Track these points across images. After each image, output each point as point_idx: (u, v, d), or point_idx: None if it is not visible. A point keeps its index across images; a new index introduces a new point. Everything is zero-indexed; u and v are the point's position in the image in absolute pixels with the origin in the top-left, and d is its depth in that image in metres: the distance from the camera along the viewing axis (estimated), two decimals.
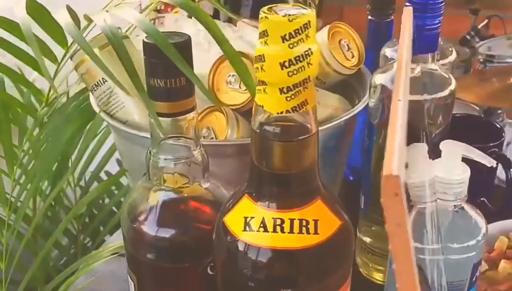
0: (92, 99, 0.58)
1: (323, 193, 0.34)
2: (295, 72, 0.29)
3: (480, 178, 0.74)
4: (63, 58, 0.56)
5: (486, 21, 1.67)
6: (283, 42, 0.28)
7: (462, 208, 0.51)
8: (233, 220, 0.34)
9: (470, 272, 0.51)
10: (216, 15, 1.59)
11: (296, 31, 0.28)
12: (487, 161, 0.48)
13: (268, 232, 0.32)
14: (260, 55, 0.29)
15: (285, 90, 0.30)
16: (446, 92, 0.53)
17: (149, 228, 0.45)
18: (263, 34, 0.29)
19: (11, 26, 0.56)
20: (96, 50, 0.55)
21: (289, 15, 0.28)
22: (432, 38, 0.51)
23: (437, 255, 0.49)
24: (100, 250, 0.62)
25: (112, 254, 0.57)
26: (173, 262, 0.46)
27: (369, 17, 0.70)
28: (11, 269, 0.65)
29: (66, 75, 0.63)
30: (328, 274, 0.33)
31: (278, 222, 0.32)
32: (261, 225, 0.32)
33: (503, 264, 0.61)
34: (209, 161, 0.44)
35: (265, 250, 0.32)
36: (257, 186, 0.34)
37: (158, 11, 1.04)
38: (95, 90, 0.56)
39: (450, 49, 0.64)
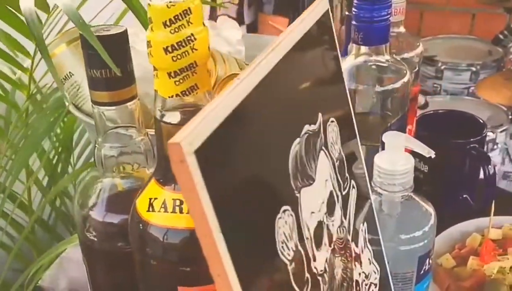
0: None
1: None
2: (179, 57, 0.30)
3: (462, 175, 0.73)
4: (35, 53, 0.59)
5: None
6: (165, 28, 0.30)
7: (411, 198, 0.51)
8: (141, 202, 0.36)
9: (416, 265, 0.50)
10: (240, 18, 1.61)
11: (176, 17, 0.30)
12: (426, 152, 0.47)
13: (168, 212, 0.34)
14: (148, 41, 0.31)
15: (172, 74, 0.31)
16: (398, 84, 0.53)
17: (97, 214, 0.48)
18: (150, 20, 0.31)
19: None
20: (63, 46, 0.58)
21: (170, 2, 0.30)
22: (382, 30, 0.51)
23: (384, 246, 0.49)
24: (72, 237, 0.65)
25: None
26: (119, 247, 0.48)
27: (346, 12, 0.71)
28: None
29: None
30: None
31: (178, 203, 0.33)
32: (162, 206, 0.34)
33: (471, 260, 0.60)
34: None
35: (164, 229, 0.34)
36: (162, 169, 0.35)
37: None
38: (64, 83, 0.59)
39: (418, 44, 0.64)
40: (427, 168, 0.73)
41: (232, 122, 0.23)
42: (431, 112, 0.77)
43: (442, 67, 2.31)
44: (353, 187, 0.40)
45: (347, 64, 0.54)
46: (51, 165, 0.85)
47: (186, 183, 0.19)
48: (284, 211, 0.27)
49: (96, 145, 0.47)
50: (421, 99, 2.01)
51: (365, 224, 0.42)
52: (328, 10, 0.38)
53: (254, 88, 0.25)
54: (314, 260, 0.31)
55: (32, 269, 0.63)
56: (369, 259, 0.42)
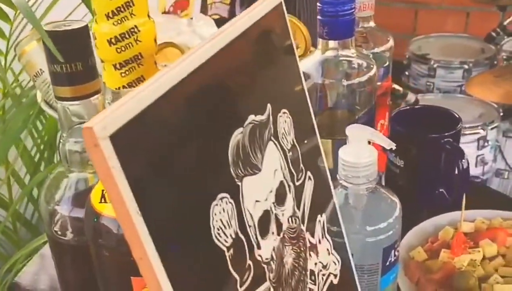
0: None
1: None
2: (123, 48, 0.31)
3: (438, 169, 0.74)
4: (8, 51, 0.60)
5: None
6: (108, 19, 0.30)
7: (376, 191, 0.51)
8: (94, 194, 0.36)
9: (381, 256, 0.51)
10: (232, 17, 1.61)
11: (118, 9, 0.30)
12: (387, 144, 0.48)
13: None
14: (93, 33, 0.32)
15: (118, 66, 0.32)
16: (364, 78, 0.53)
17: (63, 209, 0.48)
18: (94, 13, 0.31)
19: None
20: (34, 43, 0.59)
21: None
22: (347, 24, 0.51)
23: (349, 237, 0.49)
24: None
25: None
26: (86, 242, 0.49)
27: None
28: None
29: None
30: None
31: None
32: None
33: (442, 253, 0.61)
34: None
35: (115, 220, 0.34)
36: None
37: (167, 12, 1.08)
38: (35, 80, 0.59)
39: (388, 38, 0.64)
40: (403, 163, 0.73)
41: (158, 108, 0.23)
42: (407, 108, 0.77)
43: (435, 66, 2.31)
44: (310, 179, 0.40)
45: (314, 59, 0.54)
46: (34, 163, 0.86)
47: (101, 166, 0.20)
48: (222, 198, 0.28)
49: (61, 140, 0.47)
50: (411, 97, 2.01)
51: (324, 215, 0.42)
52: (281, 2, 0.38)
53: (187, 76, 0.26)
54: (259, 248, 0.31)
55: (8, 263, 0.63)
56: (328, 250, 0.42)
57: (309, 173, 0.40)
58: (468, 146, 1.78)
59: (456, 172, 0.70)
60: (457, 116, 0.73)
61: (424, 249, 0.63)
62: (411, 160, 0.73)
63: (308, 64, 0.55)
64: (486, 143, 1.79)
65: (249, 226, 0.30)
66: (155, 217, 0.22)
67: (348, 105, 0.55)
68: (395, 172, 0.75)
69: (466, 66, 2.17)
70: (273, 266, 0.33)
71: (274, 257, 0.33)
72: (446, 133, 0.70)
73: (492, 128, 1.77)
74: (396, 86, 2.17)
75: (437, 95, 2.04)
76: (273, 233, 0.33)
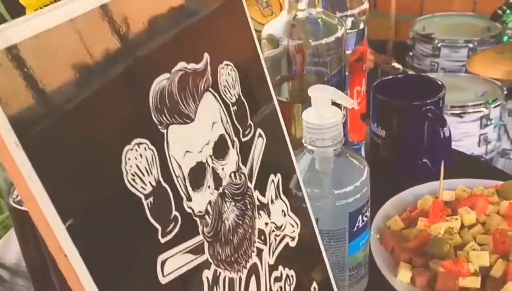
0: None
1: None
2: None
3: (420, 138, 0.72)
4: None
5: None
6: None
7: (343, 154, 0.49)
8: None
9: (348, 221, 0.49)
10: None
11: None
12: (349, 103, 0.46)
13: None
14: None
15: None
16: (331, 39, 0.51)
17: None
18: None
19: None
20: None
21: None
22: None
23: (316, 201, 0.48)
24: None
25: None
26: None
27: None
28: None
29: None
30: None
31: None
32: None
33: (420, 222, 0.59)
34: None
35: None
36: None
37: None
38: None
39: (363, 1, 0.62)
40: (384, 133, 0.71)
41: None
42: (389, 77, 0.75)
43: (439, 45, 2.27)
44: (261, 136, 0.39)
45: (281, 20, 0.52)
46: None
47: None
48: (139, 143, 0.26)
49: None
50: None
51: (279, 175, 0.41)
52: None
53: (100, 9, 0.24)
54: (189, 200, 0.30)
55: None
56: (283, 211, 0.41)
57: (260, 131, 0.39)
58: (470, 124, 1.74)
59: (439, 141, 0.68)
60: (440, 83, 0.71)
61: (402, 218, 0.61)
62: (393, 129, 0.71)
63: (276, 25, 0.53)
64: (489, 122, 1.75)
65: (177, 176, 0.29)
66: (39, 150, 0.21)
67: (316, 69, 0.53)
68: (377, 142, 0.73)
69: (471, 45, 2.12)
70: (209, 221, 0.31)
71: (210, 211, 0.32)
72: (428, 101, 0.68)
73: (495, 107, 1.73)
74: (396, 65, 2.13)
75: (439, 74, 2.00)
76: (209, 186, 0.32)
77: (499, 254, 0.53)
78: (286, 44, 0.52)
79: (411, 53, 2.27)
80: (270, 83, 0.41)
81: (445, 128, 0.67)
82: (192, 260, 0.29)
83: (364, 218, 0.50)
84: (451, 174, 0.68)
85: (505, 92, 1.82)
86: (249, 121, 0.37)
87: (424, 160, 0.71)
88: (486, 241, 0.55)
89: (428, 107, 0.67)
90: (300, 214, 0.44)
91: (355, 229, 0.50)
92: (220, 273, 0.32)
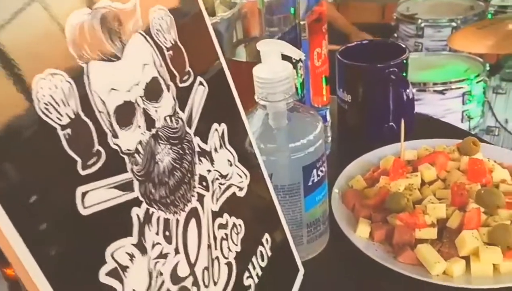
0: None
1: None
2: None
3: (385, 102, 0.71)
4: None
5: None
6: None
7: (296, 109, 0.49)
8: None
9: (302, 175, 0.49)
10: None
11: None
12: (297, 54, 0.45)
13: None
14: None
15: None
16: None
17: None
18: None
19: None
20: None
21: None
22: None
23: (270, 156, 0.48)
24: None
25: None
26: None
27: None
28: None
29: None
30: None
31: None
32: None
33: (381, 180, 0.59)
34: None
35: None
36: None
37: None
38: None
39: None
40: (350, 98, 0.71)
41: None
42: (354, 43, 0.75)
43: (423, 25, 2.26)
44: (202, 85, 0.38)
45: None
46: None
47: None
48: (53, 74, 0.26)
49: None
50: None
51: (224, 125, 0.40)
52: None
53: None
54: (115, 137, 0.30)
55: None
56: (229, 161, 0.41)
57: (200, 79, 0.38)
58: (453, 101, 1.74)
59: (402, 103, 0.67)
60: (404, 46, 0.71)
61: (365, 178, 0.61)
62: (358, 93, 0.71)
63: None
64: (471, 98, 1.75)
65: (100, 112, 0.29)
66: None
67: (271, 28, 0.52)
68: (344, 108, 0.73)
69: (454, 24, 2.11)
70: (139, 160, 0.31)
71: (141, 151, 0.31)
72: (392, 63, 0.68)
73: (477, 82, 1.73)
74: None
75: (422, 53, 2.00)
76: (139, 126, 0.32)
77: (456, 206, 0.53)
78: (240, 3, 0.52)
79: (395, 35, 2.26)
80: (215, 38, 0.41)
81: (408, 90, 0.67)
82: (118, 196, 0.29)
83: (320, 173, 0.50)
84: (416, 136, 0.68)
85: (488, 68, 1.82)
86: (188, 68, 0.37)
87: (390, 123, 0.71)
88: (445, 195, 0.55)
89: (391, 69, 0.67)
90: (250, 166, 0.44)
91: (310, 183, 0.49)
92: (153, 212, 0.32)
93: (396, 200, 0.53)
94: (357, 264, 0.52)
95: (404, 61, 0.69)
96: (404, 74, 0.68)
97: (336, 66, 0.72)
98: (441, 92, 1.70)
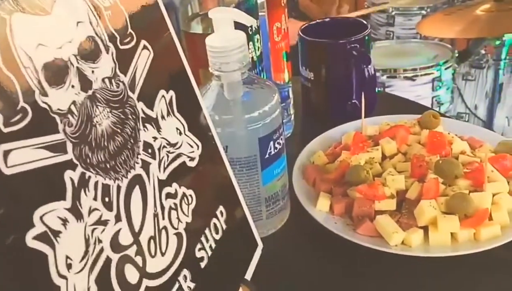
0: None
1: None
2: None
3: (347, 79, 0.70)
4: None
5: None
6: None
7: (251, 80, 0.48)
8: None
9: (258, 148, 0.48)
10: None
11: None
12: (248, 21, 0.44)
13: None
14: None
15: None
16: None
17: None
18: None
19: None
20: None
21: None
22: None
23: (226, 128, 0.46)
24: None
25: None
26: None
27: None
28: None
29: None
30: None
31: None
32: None
33: (342, 154, 0.58)
34: None
35: None
36: None
37: None
38: None
39: None
40: (313, 76, 0.70)
41: None
42: (316, 21, 0.73)
43: (393, 13, 2.27)
44: (146, 49, 0.37)
45: None
46: None
47: None
48: None
49: None
50: None
51: (172, 92, 0.39)
52: None
53: None
54: (44, 95, 0.28)
55: None
56: (178, 129, 0.39)
57: (145, 43, 0.37)
58: (422, 87, 1.76)
59: (364, 79, 0.67)
60: (365, 23, 0.70)
61: (326, 153, 0.60)
62: (320, 70, 0.70)
63: None
64: (441, 84, 1.77)
65: (25, 67, 0.27)
66: None
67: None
68: (307, 86, 0.72)
69: (424, 12, 2.13)
70: (73, 121, 0.29)
71: (75, 112, 0.30)
72: (353, 39, 0.67)
73: (446, 68, 1.75)
74: None
75: (392, 41, 2.01)
76: (73, 86, 0.30)
77: (416, 178, 0.52)
78: None
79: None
80: (161, 4, 0.39)
81: (369, 66, 0.66)
82: (48, 157, 0.27)
83: (277, 145, 0.49)
84: (380, 113, 0.67)
85: (456, 54, 1.84)
86: (129, 30, 0.35)
87: (353, 101, 0.70)
88: (405, 168, 0.55)
89: (353, 45, 0.66)
90: (202, 137, 0.42)
91: (267, 156, 0.48)
92: (90, 176, 0.30)
93: (356, 173, 0.52)
94: (317, 238, 0.51)
95: (366, 37, 0.68)
96: (366, 50, 0.68)
97: (299, 45, 0.71)
98: (411, 78, 1.71)
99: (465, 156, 0.55)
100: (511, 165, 0.53)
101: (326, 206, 0.52)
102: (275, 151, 0.49)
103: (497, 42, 1.66)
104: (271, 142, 0.48)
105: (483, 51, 1.94)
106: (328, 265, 0.50)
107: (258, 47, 0.55)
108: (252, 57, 0.54)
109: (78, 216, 0.29)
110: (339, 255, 0.50)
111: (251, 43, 0.53)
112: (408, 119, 0.63)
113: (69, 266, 0.28)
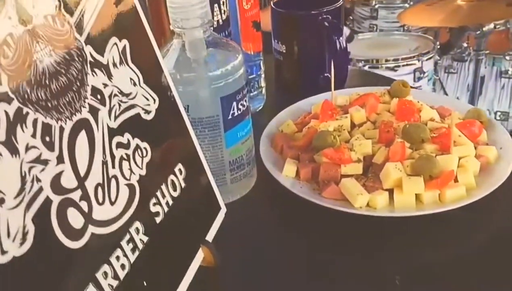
0: None
1: None
2: None
3: (319, 51, 0.69)
4: None
5: None
6: None
7: (214, 39, 0.46)
8: None
9: (221, 108, 0.46)
10: None
11: None
12: None
13: None
14: None
15: None
16: None
17: None
18: None
19: None
20: None
21: None
22: None
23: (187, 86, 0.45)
24: None
25: None
26: None
27: None
28: None
29: None
30: None
31: None
32: None
33: (311, 122, 0.57)
34: None
35: None
36: None
37: None
38: None
39: None
40: (285, 48, 0.69)
41: None
42: None
43: (377, 6, 2.27)
44: None
45: None
46: None
47: None
48: None
49: None
50: (346, 31, 1.97)
51: (126, 41, 0.37)
52: None
53: None
54: None
55: None
56: (132, 80, 0.38)
57: None
58: (404, 78, 1.75)
59: (336, 51, 0.66)
60: None
61: (296, 123, 0.59)
62: (292, 42, 0.69)
63: None
64: (422, 75, 1.77)
65: None
66: None
67: None
68: (279, 60, 0.71)
69: (407, 5, 2.13)
70: (9, 53, 0.28)
71: (12, 44, 0.28)
72: (325, 10, 0.66)
73: (427, 59, 1.75)
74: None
75: (375, 34, 2.01)
76: (10, 18, 0.28)
77: (383, 143, 0.51)
78: None
79: (351, 17, 2.27)
80: None
81: (341, 38, 0.65)
82: None
83: (240, 107, 0.48)
84: (352, 87, 0.66)
85: (438, 46, 1.84)
86: None
87: (325, 74, 0.69)
88: (374, 135, 0.54)
89: (325, 16, 0.65)
90: (160, 91, 0.41)
91: (230, 117, 0.47)
92: (28, 112, 0.29)
93: (323, 137, 0.51)
94: (283, 203, 0.50)
95: (338, 9, 0.67)
96: (338, 22, 0.67)
97: (271, 16, 0.70)
98: (393, 69, 1.70)
99: (433, 122, 0.54)
100: (480, 131, 0.53)
101: (292, 171, 0.51)
102: (239, 112, 0.48)
103: (477, 32, 1.66)
104: (234, 103, 0.47)
105: (465, 44, 1.95)
106: (293, 231, 0.49)
107: (224, 11, 0.54)
108: (218, 21, 0.53)
109: (13, 151, 0.27)
110: (305, 219, 0.49)
111: (216, 5, 0.52)
112: (379, 90, 0.62)
113: (1, 200, 0.26)
